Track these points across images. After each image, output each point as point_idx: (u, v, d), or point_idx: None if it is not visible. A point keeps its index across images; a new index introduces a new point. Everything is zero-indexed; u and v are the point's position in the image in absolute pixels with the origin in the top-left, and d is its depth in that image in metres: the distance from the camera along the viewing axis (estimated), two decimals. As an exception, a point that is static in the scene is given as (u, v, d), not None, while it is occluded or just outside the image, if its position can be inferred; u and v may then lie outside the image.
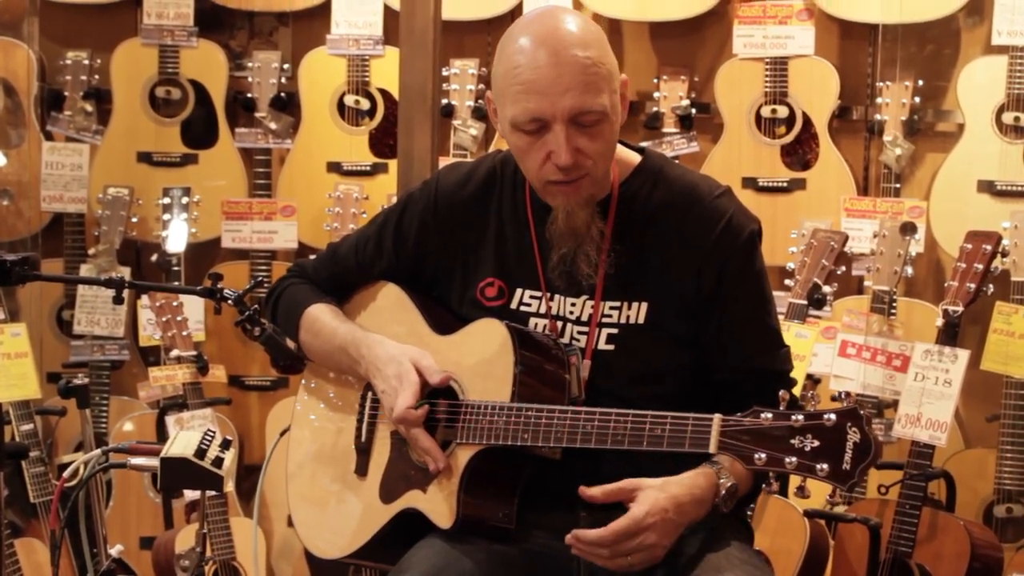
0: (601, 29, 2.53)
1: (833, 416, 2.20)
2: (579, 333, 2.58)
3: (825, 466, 2.19)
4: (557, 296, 2.59)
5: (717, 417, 2.29)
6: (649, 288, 2.55)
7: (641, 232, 2.56)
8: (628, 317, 2.55)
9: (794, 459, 2.21)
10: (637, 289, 2.55)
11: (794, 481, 2.32)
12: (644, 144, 2.97)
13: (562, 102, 2.42)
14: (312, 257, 2.96)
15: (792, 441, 2.22)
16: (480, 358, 2.56)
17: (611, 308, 2.56)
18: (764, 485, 2.31)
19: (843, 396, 2.24)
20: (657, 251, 2.56)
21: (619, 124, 2.52)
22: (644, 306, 2.55)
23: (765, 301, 2.60)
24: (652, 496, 2.37)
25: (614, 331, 2.56)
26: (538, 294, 2.61)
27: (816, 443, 2.20)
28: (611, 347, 2.56)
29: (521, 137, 2.48)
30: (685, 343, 2.56)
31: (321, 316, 2.76)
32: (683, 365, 2.57)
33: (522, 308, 2.61)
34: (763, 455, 2.23)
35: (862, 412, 2.20)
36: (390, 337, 2.66)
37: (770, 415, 2.24)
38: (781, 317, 4.15)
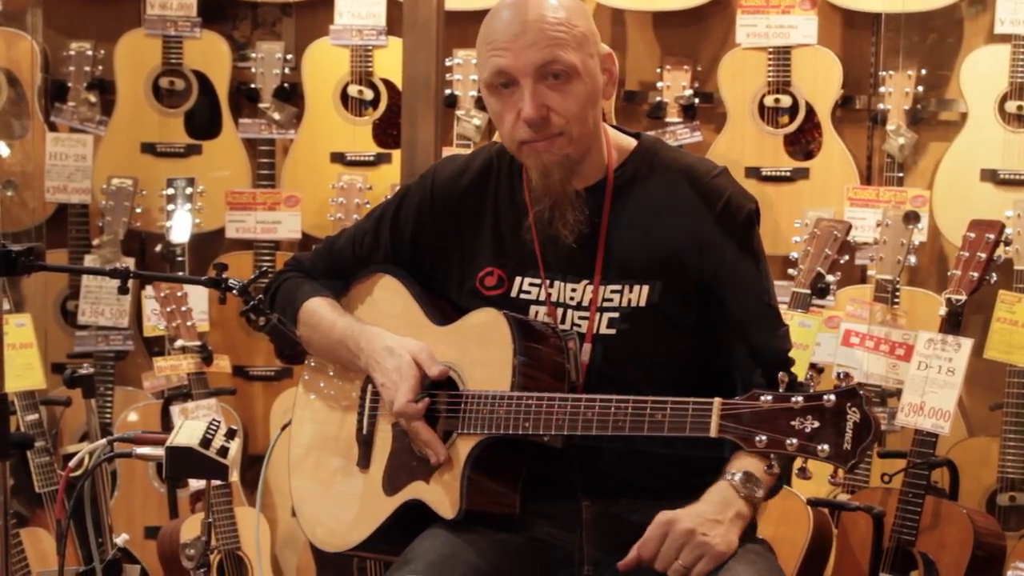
0: (583, 3, 2.56)
1: (832, 397, 2.20)
2: (580, 318, 2.58)
3: (826, 446, 2.20)
4: (557, 282, 2.60)
5: (717, 401, 2.29)
6: (650, 271, 2.56)
7: (640, 215, 2.57)
8: (629, 300, 2.56)
9: (795, 440, 2.22)
10: (638, 272, 2.56)
11: (795, 462, 2.32)
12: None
13: (526, 55, 2.45)
14: (314, 247, 2.97)
15: (792, 423, 2.23)
16: (479, 348, 2.56)
17: (612, 292, 2.57)
18: (765, 468, 2.32)
19: (842, 377, 2.24)
20: (657, 233, 2.56)
21: (599, 92, 2.54)
22: (645, 289, 2.55)
23: (764, 280, 2.60)
24: (671, 513, 2.41)
25: (615, 315, 2.56)
26: (537, 281, 2.61)
27: (816, 424, 2.21)
28: (612, 331, 2.56)
29: (495, 100, 2.52)
30: (686, 326, 2.56)
31: (319, 310, 2.77)
32: (685, 348, 2.57)
33: (522, 296, 2.62)
34: (764, 437, 2.24)
35: (861, 392, 2.20)
36: (388, 329, 2.67)
37: (770, 397, 2.24)
38: (784, 306, 4.16)
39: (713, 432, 2.29)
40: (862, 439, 2.19)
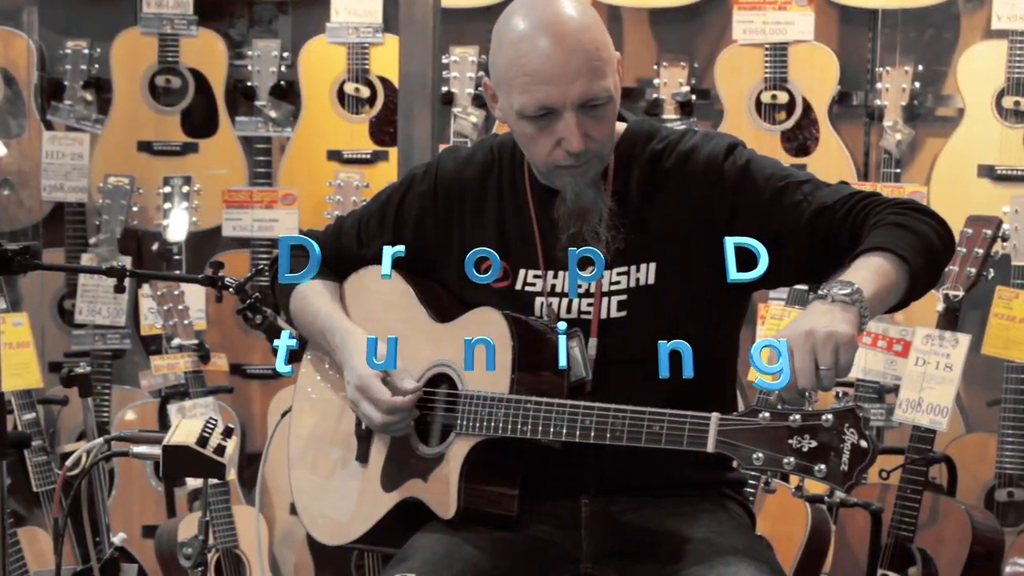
0: (594, 8, 2.54)
1: (830, 417, 2.19)
2: (588, 305, 2.57)
3: (823, 467, 2.18)
4: (562, 273, 2.59)
5: (715, 416, 2.28)
6: (654, 247, 2.55)
7: (636, 195, 2.57)
8: (637, 280, 2.55)
9: (792, 459, 2.20)
10: (642, 251, 2.55)
11: (793, 479, 2.31)
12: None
13: (572, 90, 2.42)
14: (325, 226, 2.95)
15: (790, 441, 2.21)
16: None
17: (618, 274, 2.55)
18: (763, 485, 2.31)
19: (841, 396, 2.24)
20: (655, 209, 2.55)
21: (618, 102, 2.53)
22: (652, 266, 2.55)
23: (779, 169, 2.58)
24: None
25: (623, 297, 2.55)
26: (540, 273, 2.61)
27: (814, 444, 2.20)
28: (623, 313, 2.55)
29: (528, 125, 2.48)
30: (699, 292, 2.54)
31: (308, 294, 2.76)
32: (696, 323, 2.55)
33: (527, 288, 2.62)
34: (761, 455, 2.23)
35: (859, 413, 2.19)
36: (386, 324, 2.66)
37: (768, 415, 2.23)
38: (782, 303, 4.16)
39: (710, 448, 2.28)
40: (859, 461, 2.17)
